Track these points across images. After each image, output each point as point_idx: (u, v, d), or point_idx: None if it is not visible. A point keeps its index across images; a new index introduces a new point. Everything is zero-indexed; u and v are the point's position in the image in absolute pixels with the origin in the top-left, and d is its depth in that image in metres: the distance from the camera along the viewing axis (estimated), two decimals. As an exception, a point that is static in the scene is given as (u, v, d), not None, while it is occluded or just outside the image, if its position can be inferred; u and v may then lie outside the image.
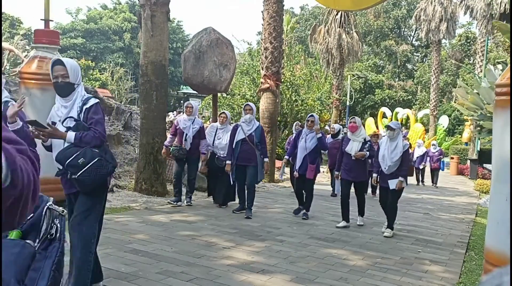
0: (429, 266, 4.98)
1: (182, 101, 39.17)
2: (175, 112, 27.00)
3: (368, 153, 6.62)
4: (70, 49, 37.20)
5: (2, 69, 10.88)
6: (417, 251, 5.62)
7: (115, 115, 11.77)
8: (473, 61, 33.39)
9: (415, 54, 44.48)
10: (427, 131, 26.75)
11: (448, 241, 6.36)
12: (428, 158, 14.40)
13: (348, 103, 29.31)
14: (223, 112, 7.85)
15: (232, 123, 8.45)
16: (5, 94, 3.19)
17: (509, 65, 3.51)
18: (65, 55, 34.52)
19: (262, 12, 12.18)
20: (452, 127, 31.65)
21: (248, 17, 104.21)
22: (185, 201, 7.58)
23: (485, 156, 16.78)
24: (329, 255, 5.11)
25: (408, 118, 27.70)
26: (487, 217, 3.65)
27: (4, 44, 11.96)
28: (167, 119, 11.37)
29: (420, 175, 14.60)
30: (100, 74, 32.11)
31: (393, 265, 4.87)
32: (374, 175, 6.58)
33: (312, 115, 7.21)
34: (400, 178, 6.21)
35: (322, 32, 25.83)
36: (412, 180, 13.89)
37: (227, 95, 16.00)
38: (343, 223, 6.75)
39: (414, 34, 44.70)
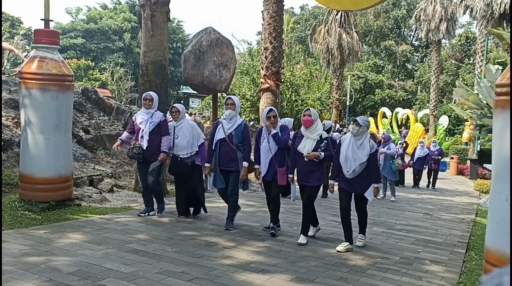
0: (429, 266, 4.98)
1: (182, 101, 39.16)
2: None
3: (323, 154, 5.39)
4: (70, 49, 37.22)
5: (2, 69, 10.87)
6: (417, 251, 5.62)
7: (115, 115, 11.77)
8: (473, 61, 33.39)
9: (415, 54, 44.47)
10: (427, 131, 26.75)
11: (448, 241, 6.36)
12: (428, 158, 13.53)
13: (348, 103, 29.33)
14: (174, 106, 6.54)
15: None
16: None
17: (509, 65, 3.51)
18: (65, 55, 34.55)
19: (262, 12, 12.17)
20: (452, 127, 31.63)
21: (248, 17, 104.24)
22: (156, 212, 6.58)
23: (485, 156, 16.79)
24: (329, 255, 5.11)
25: (408, 118, 27.71)
26: (487, 217, 3.65)
27: (4, 44, 11.96)
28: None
29: (417, 177, 13.66)
30: (100, 74, 32.13)
31: (393, 265, 4.88)
32: (331, 182, 5.61)
33: (271, 110, 5.83)
34: (375, 185, 5.38)
35: (322, 32, 25.84)
36: (409, 179, 13.86)
37: (227, 95, 15.99)
38: (302, 239, 5.52)
39: (414, 34, 44.71)
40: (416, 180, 13.68)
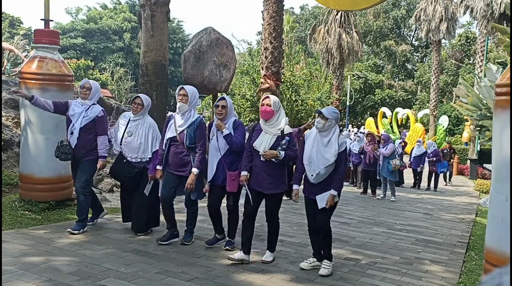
0: (429, 266, 4.98)
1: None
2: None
3: (283, 153, 4.39)
4: (70, 49, 37.23)
5: (2, 69, 10.87)
6: (417, 251, 5.62)
7: (115, 115, 11.76)
8: (473, 61, 33.41)
9: (415, 54, 44.50)
10: (427, 131, 26.76)
11: (448, 241, 6.36)
12: (426, 159, 13.43)
13: (348, 103, 29.33)
14: (138, 96, 5.43)
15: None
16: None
17: (509, 65, 3.51)
18: (65, 55, 34.56)
19: (262, 12, 12.17)
20: (452, 127, 31.64)
21: (248, 17, 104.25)
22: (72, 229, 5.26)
23: (485, 156, 16.80)
24: (329, 255, 5.11)
25: (408, 118, 27.72)
26: (487, 217, 3.65)
27: (4, 44, 11.95)
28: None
29: (417, 177, 13.64)
30: (100, 74, 32.12)
31: (393, 265, 4.88)
32: (295, 187, 4.50)
33: (223, 98, 4.90)
34: (332, 191, 4.27)
35: (322, 32, 25.85)
36: (409, 179, 13.86)
37: (227, 95, 16.00)
38: (239, 255, 4.52)
39: (414, 34, 44.72)
40: (417, 181, 13.63)
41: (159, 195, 5.11)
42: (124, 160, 5.31)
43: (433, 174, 13.30)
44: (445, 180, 15.02)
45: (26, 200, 6.16)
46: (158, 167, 5.03)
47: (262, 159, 4.42)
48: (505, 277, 0.68)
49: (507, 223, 3.09)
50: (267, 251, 4.74)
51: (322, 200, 4.32)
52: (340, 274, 4.44)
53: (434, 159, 13.16)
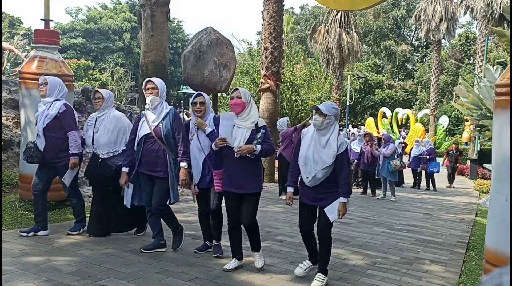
0: (429, 266, 4.98)
1: (182, 101, 39.19)
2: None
3: (259, 147, 4.05)
4: (70, 49, 37.23)
5: (2, 69, 10.87)
6: (417, 251, 5.62)
7: (115, 115, 11.76)
8: (473, 61, 33.41)
9: (415, 54, 44.52)
10: (427, 131, 26.77)
11: (448, 241, 6.36)
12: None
13: (348, 103, 29.32)
14: (98, 91, 5.14)
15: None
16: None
17: (509, 65, 3.51)
18: (65, 55, 34.58)
19: (262, 12, 12.18)
20: (452, 127, 31.66)
21: (248, 17, 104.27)
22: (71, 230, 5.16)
23: (485, 156, 16.81)
24: (329, 255, 5.11)
25: (408, 118, 27.73)
26: (487, 217, 3.65)
27: (4, 44, 11.95)
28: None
29: (417, 177, 13.61)
30: (100, 74, 32.12)
31: (393, 265, 4.88)
32: (289, 189, 4.17)
33: (200, 94, 4.57)
34: (342, 199, 3.90)
35: (322, 32, 25.86)
36: (409, 179, 13.84)
37: (227, 95, 16.01)
38: (233, 263, 4.31)
39: (414, 34, 44.74)
40: (417, 181, 13.60)
41: (135, 203, 4.82)
42: (100, 160, 4.99)
43: (427, 174, 13.17)
44: (449, 181, 14.60)
45: (26, 200, 6.15)
46: (124, 169, 4.66)
47: (236, 155, 4.04)
48: (505, 277, 0.68)
49: (507, 223, 3.10)
50: (255, 254, 4.36)
51: (332, 212, 3.94)
52: (340, 274, 4.44)
53: (428, 157, 13.10)
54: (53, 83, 5.02)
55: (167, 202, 4.69)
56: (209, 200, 4.61)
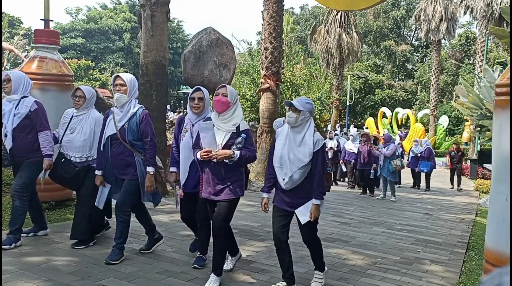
0: (429, 266, 4.98)
1: (182, 101, 39.21)
2: (173, 112, 26.99)
3: (238, 153, 3.69)
4: (70, 49, 37.23)
5: (2, 69, 10.88)
6: (417, 251, 5.62)
7: (115, 115, 11.77)
8: (473, 61, 33.41)
9: (415, 54, 44.52)
10: (427, 131, 26.78)
11: (448, 241, 6.37)
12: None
13: (348, 103, 29.34)
14: (79, 88, 4.72)
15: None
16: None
17: (509, 65, 3.51)
18: (65, 55, 34.58)
19: (262, 12, 12.18)
20: (452, 127, 31.67)
21: (248, 17, 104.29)
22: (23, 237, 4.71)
23: (485, 156, 16.79)
24: (329, 255, 5.11)
25: (408, 118, 27.73)
26: (487, 217, 3.65)
27: (4, 44, 11.95)
28: (167, 119, 11.36)
29: (416, 177, 13.58)
30: (100, 74, 32.13)
31: (393, 265, 4.88)
32: (265, 195, 3.86)
33: (199, 89, 4.23)
34: (314, 200, 3.67)
35: (322, 32, 25.86)
36: (408, 180, 13.82)
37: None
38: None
39: (414, 34, 44.74)
40: (416, 181, 13.60)
41: (99, 204, 4.60)
42: (63, 160, 4.66)
43: (426, 174, 13.10)
44: (451, 183, 14.11)
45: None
46: (97, 172, 4.42)
47: (213, 160, 3.68)
48: (505, 277, 0.68)
49: (507, 223, 3.09)
50: (212, 274, 3.88)
51: (304, 214, 3.69)
52: (340, 274, 4.45)
53: (419, 155, 13.06)
54: (17, 78, 4.56)
55: (146, 200, 4.43)
56: (193, 207, 4.23)
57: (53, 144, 4.65)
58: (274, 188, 3.88)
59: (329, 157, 12.46)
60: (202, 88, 4.25)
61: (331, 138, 12.74)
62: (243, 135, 3.76)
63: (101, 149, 4.34)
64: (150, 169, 4.27)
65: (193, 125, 4.14)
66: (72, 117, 4.70)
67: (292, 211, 3.78)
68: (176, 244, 5.09)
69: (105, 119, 4.39)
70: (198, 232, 4.37)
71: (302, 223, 3.74)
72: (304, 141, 3.65)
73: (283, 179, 3.67)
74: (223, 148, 3.69)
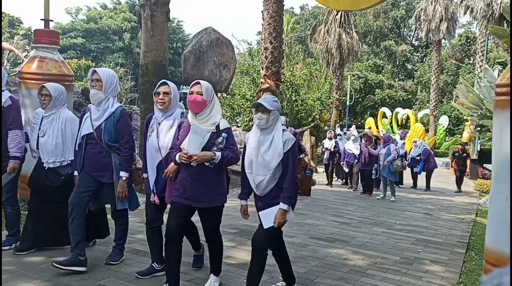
0: (429, 266, 4.98)
1: (182, 101, 39.11)
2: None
3: (219, 154, 3.42)
4: (70, 49, 37.26)
5: (2, 69, 10.86)
6: (417, 251, 5.62)
7: (115, 115, 11.77)
8: (473, 61, 33.41)
9: (415, 54, 44.53)
10: (427, 131, 26.77)
11: (448, 241, 6.37)
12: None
13: (348, 103, 29.33)
14: (44, 87, 4.35)
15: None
16: None
17: (509, 65, 3.51)
18: (65, 55, 34.60)
19: (262, 12, 12.18)
20: (452, 127, 31.68)
21: (248, 17, 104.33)
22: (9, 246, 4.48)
23: (485, 156, 16.80)
24: (329, 255, 5.11)
25: (408, 118, 27.73)
26: (487, 217, 3.65)
27: (4, 44, 11.95)
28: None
29: (416, 177, 13.49)
30: (100, 74, 32.06)
31: (393, 265, 4.88)
32: (242, 202, 3.67)
33: (164, 83, 3.86)
34: (281, 205, 3.37)
35: (322, 32, 25.85)
36: (407, 180, 13.82)
37: (227, 95, 16.02)
38: None
39: (414, 34, 44.75)
40: (415, 181, 13.61)
41: (92, 208, 4.20)
42: (46, 168, 4.30)
43: (427, 174, 13.07)
44: (457, 186, 13.39)
45: (26, 200, 6.15)
46: (75, 173, 4.11)
47: (193, 163, 3.40)
48: (505, 277, 0.68)
49: (507, 223, 3.10)
50: (211, 275, 3.87)
51: (268, 217, 3.41)
52: (340, 274, 4.45)
53: (424, 158, 13.03)
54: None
55: (122, 206, 4.12)
56: (159, 211, 3.94)
57: (22, 145, 4.30)
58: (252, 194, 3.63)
59: (326, 157, 12.39)
60: (168, 81, 3.92)
61: (330, 139, 12.64)
62: (223, 134, 3.49)
63: (76, 148, 4.07)
64: (123, 174, 3.97)
65: (159, 124, 3.83)
66: (42, 118, 4.34)
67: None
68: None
69: (82, 116, 4.09)
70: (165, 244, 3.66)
71: (265, 227, 3.43)
72: (273, 143, 3.40)
73: (255, 184, 3.45)
74: (203, 149, 3.41)
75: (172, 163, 3.58)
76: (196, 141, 3.42)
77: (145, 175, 3.99)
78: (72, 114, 4.46)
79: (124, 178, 3.99)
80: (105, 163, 3.98)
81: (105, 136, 3.93)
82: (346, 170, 12.37)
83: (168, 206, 3.76)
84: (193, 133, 3.44)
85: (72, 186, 4.15)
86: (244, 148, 3.59)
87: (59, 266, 3.82)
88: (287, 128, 5.39)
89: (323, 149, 12.60)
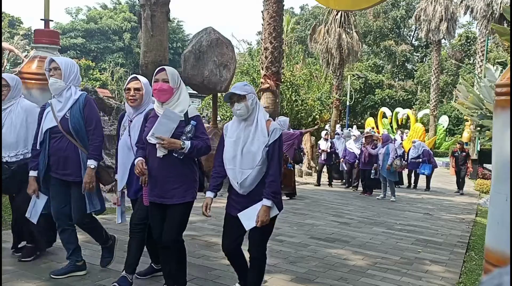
0: (429, 266, 4.98)
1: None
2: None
3: (188, 143, 3.13)
4: (70, 49, 37.28)
5: (2, 69, 10.87)
6: (417, 251, 5.62)
7: (115, 115, 11.76)
8: (473, 61, 33.42)
9: (415, 54, 44.55)
10: (427, 131, 26.78)
11: (448, 241, 6.37)
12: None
13: (348, 103, 29.32)
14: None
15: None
16: None
17: (509, 65, 3.51)
18: (65, 55, 34.59)
19: (262, 12, 12.20)
20: (452, 127, 31.69)
21: (248, 17, 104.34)
22: None
23: (485, 156, 16.81)
24: (329, 255, 5.11)
25: (408, 118, 27.73)
26: (487, 217, 3.65)
27: (4, 44, 11.95)
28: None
29: (413, 177, 13.47)
30: (100, 74, 32.16)
31: (393, 265, 4.88)
32: (209, 194, 3.25)
33: (135, 78, 3.62)
34: (265, 201, 3.01)
35: (322, 32, 25.84)
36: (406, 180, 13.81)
37: (227, 95, 16.02)
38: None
39: (414, 34, 44.77)
40: (411, 180, 13.66)
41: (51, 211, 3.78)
42: (5, 163, 3.94)
43: (412, 172, 13.11)
44: (458, 187, 13.17)
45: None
46: (31, 173, 3.69)
47: (159, 154, 3.13)
48: (505, 277, 0.68)
49: (507, 223, 3.10)
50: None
51: (249, 218, 3.04)
52: (340, 274, 4.45)
53: (425, 159, 12.98)
54: None
55: (92, 210, 3.76)
56: (139, 215, 3.53)
57: None
58: (221, 188, 3.29)
59: (323, 158, 12.28)
60: (139, 76, 3.67)
61: (326, 140, 12.37)
62: (192, 122, 3.21)
63: (37, 147, 3.67)
64: (91, 163, 3.59)
65: (131, 121, 3.57)
66: None
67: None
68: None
69: (41, 112, 3.72)
70: (130, 243, 3.56)
71: (246, 228, 3.08)
72: (257, 131, 3.05)
73: (237, 182, 3.06)
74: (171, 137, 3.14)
75: (138, 159, 3.26)
76: (166, 126, 3.13)
77: (117, 176, 3.69)
78: (31, 103, 4.13)
79: (92, 167, 3.60)
80: (72, 159, 3.62)
81: (71, 124, 3.58)
82: (345, 168, 12.35)
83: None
84: (164, 117, 3.15)
85: (22, 180, 3.80)
86: (221, 142, 3.21)
87: (59, 278, 3.73)
88: (291, 130, 5.27)
89: (319, 151, 12.50)
